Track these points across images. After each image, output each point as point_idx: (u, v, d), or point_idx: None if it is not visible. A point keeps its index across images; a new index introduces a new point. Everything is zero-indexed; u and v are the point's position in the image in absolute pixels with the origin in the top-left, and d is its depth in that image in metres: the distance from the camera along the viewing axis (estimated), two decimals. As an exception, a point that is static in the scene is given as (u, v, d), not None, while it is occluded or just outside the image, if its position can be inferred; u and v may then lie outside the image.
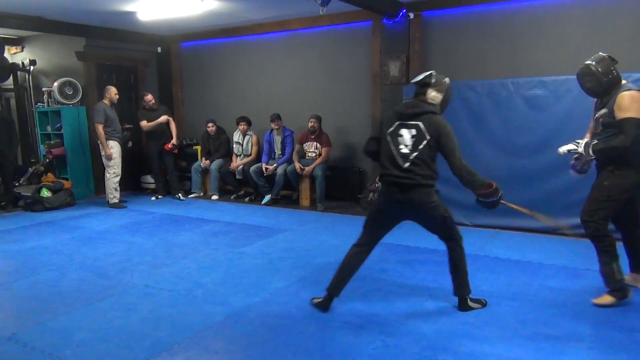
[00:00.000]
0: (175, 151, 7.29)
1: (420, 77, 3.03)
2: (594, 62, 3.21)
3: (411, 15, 6.07)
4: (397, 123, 3.01)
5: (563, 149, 3.32)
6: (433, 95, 3.00)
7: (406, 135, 2.97)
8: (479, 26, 5.85)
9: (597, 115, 3.24)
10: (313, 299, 3.29)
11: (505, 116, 5.13)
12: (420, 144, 2.93)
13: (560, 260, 4.14)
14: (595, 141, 3.17)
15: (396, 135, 3.00)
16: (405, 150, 2.95)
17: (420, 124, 2.94)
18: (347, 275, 3.20)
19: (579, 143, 3.25)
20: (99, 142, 6.67)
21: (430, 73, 3.02)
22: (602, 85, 3.17)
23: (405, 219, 3.13)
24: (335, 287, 3.18)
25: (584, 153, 3.19)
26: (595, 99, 3.32)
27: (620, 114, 3.03)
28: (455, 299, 3.17)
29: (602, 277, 3.22)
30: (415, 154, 2.93)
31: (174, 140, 7.16)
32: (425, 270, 3.96)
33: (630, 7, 5.06)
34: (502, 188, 3.01)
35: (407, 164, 2.94)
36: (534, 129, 4.91)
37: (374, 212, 3.24)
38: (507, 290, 3.49)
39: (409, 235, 5.04)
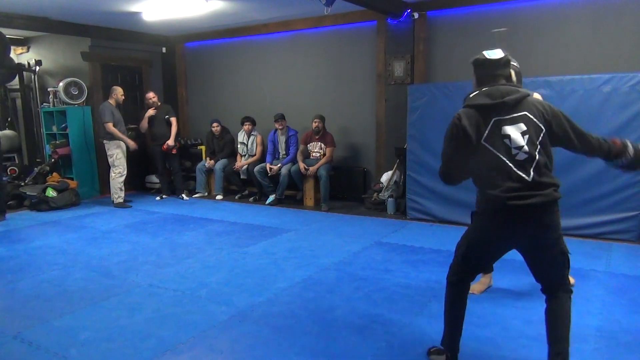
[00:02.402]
0: (173, 152, 7.22)
1: (497, 53, 2.29)
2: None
3: (416, 15, 6.07)
4: (492, 121, 2.16)
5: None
6: (514, 75, 2.36)
7: (515, 133, 2.14)
8: (483, 26, 5.82)
9: None
10: (431, 349, 2.59)
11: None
12: (537, 139, 2.15)
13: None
14: None
15: (500, 137, 2.15)
16: (522, 155, 2.12)
17: (527, 113, 2.16)
18: (461, 324, 2.46)
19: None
20: (104, 141, 6.69)
21: (500, 49, 2.32)
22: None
23: (514, 248, 2.32)
24: (455, 344, 2.47)
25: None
26: None
27: None
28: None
29: None
30: (538, 157, 2.13)
31: (169, 141, 7.10)
32: (430, 271, 3.95)
33: (634, 6, 5.04)
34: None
35: (532, 174, 2.12)
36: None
37: (476, 244, 2.35)
38: (513, 291, 3.48)
39: (413, 235, 5.04)
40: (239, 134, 7.38)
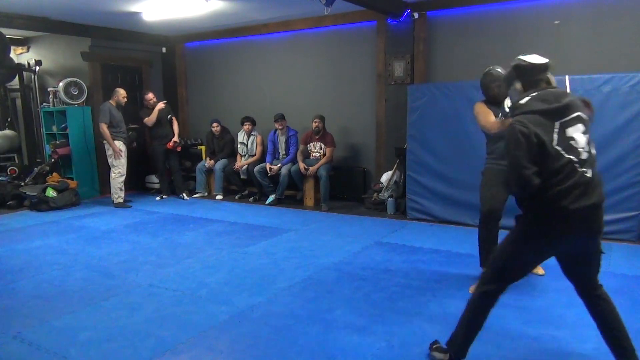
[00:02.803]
0: (178, 149, 7.29)
1: (538, 58, 2.33)
2: (499, 69, 3.42)
3: (416, 15, 6.07)
4: (558, 124, 2.16)
5: None
6: (552, 79, 2.37)
7: (577, 135, 2.17)
8: (483, 26, 5.83)
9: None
10: (434, 345, 2.58)
11: (510, 116, 5.11)
12: (590, 140, 2.22)
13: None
14: None
15: (566, 139, 2.15)
16: (584, 154, 2.16)
17: (580, 114, 2.21)
18: (476, 335, 2.42)
19: None
20: (104, 141, 6.70)
21: (536, 55, 2.38)
22: (504, 93, 3.25)
23: (561, 255, 2.35)
24: (466, 350, 2.43)
25: None
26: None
27: None
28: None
29: None
30: (594, 155, 2.21)
31: (175, 138, 7.19)
32: (430, 271, 3.95)
33: (634, 7, 5.04)
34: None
35: (592, 173, 2.17)
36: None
37: (527, 253, 2.28)
38: (512, 291, 3.46)
39: (412, 235, 5.04)
40: (239, 134, 7.38)
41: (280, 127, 6.87)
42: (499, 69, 3.50)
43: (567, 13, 5.35)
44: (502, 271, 2.32)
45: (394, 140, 6.30)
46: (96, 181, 7.61)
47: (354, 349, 2.69)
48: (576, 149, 2.15)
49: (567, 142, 2.15)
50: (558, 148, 2.14)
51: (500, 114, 3.40)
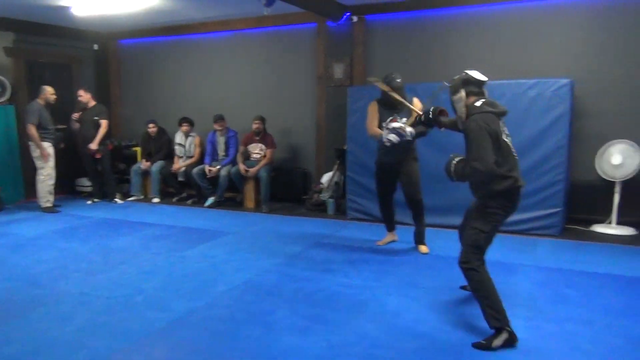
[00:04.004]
0: (97, 156, 6.79)
1: (482, 75, 2.93)
2: (399, 79, 4.23)
3: (354, 19, 6.17)
4: (502, 123, 2.84)
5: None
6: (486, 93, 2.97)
7: (507, 132, 2.86)
8: (419, 30, 6.03)
9: None
10: (486, 341, 2.69)
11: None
12: None
13: (495, 256, 4.32)
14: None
15: (507, 136, 2.83)
16: (514, 153, 2.84)
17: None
18: (499, 298, 2.75)
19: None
20: (30, 142, 6.31)
21: (478, 72, 2.96)
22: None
23: None
24: (504, 317, 2.71)
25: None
26: None
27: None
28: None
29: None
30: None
31: (92, 144, 6.67)
32: (369, 270, 4.02)
33: (558, 17, 5.39)
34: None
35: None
36: (471, 131, 5.09)
37: (494, 229, 2.85)
38: (447, 286, 3.61)
39: (353, 235, 5.12)
40: (176, 135, 7.19)
41: (219, 128, 6.76)
42: (398, 80, 4.21)
43: (496, 21, 5.64)
44: (484, 246, 2.85)
45: (334, 142, 6.37)
46: (21, 184, 7.14)
47: (296, 350, 2.69)
48: (509, 142, 2.80)
49: (508, 137, 2.81)
50: (507, 140, 2.79)
51: (389, 118, 4.09)
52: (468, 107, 2.85)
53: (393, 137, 3.97)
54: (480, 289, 2.76)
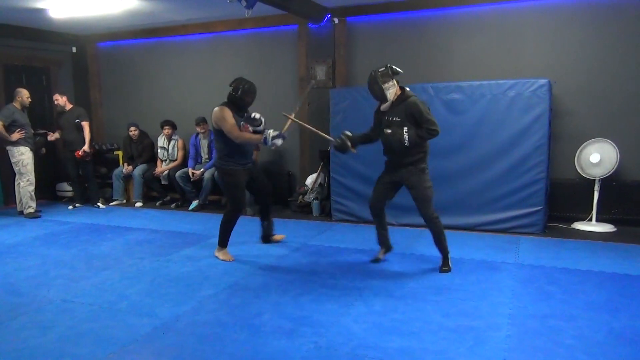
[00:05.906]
0: (88, 159, 6.81)
1: (399, 69, 3.81)
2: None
3: (336, 21, 6.19)
4: None
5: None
6: None
7: None
8: (401, 32, 6.07)
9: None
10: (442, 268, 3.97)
11: (426, 119, 5.35)
12: None
13: (478, 255, 4.38)
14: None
15: None
16: None
17: None
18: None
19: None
20: (7, 147, 6.19)
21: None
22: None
23: None
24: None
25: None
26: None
27: None
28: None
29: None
30: None
31: (85, 147, 6.67)
32: (355, 271, 4.03)
33: (535, 19, 5.47)
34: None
35: None
36: (453, 131, 5.14)
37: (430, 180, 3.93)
38: (432, 286, 3.64)
39: (338, 237, 5.13)
40: (158, 138, 7.12)
41: (202, 131, 6.72)
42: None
43: (475, 23, 5.71)
44: (432, 197, 3.85)
45: (318, 144, 6.37)
46: (-1, 191, 7.01)
47: (283, 352, 2.69)
48: None
49: None
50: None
51: (242, 122, 4.30)
52: (402, 91, 3.78)
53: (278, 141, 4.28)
54: (442, 231, 3.87)
